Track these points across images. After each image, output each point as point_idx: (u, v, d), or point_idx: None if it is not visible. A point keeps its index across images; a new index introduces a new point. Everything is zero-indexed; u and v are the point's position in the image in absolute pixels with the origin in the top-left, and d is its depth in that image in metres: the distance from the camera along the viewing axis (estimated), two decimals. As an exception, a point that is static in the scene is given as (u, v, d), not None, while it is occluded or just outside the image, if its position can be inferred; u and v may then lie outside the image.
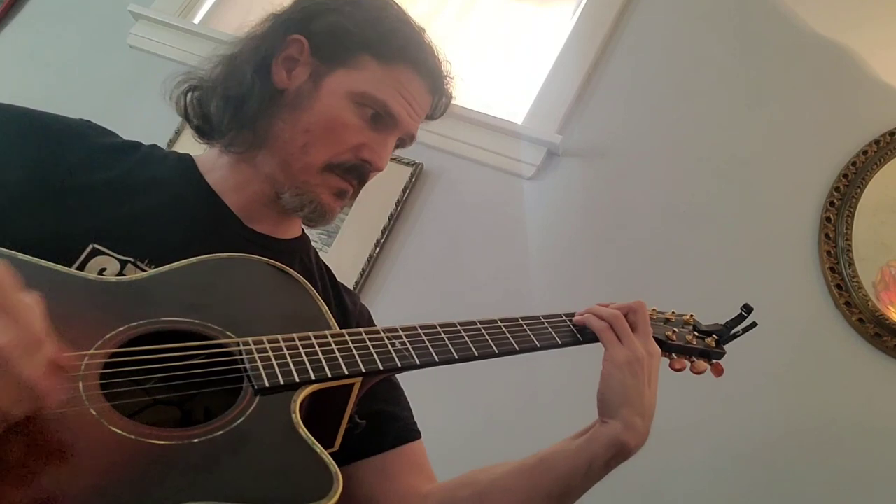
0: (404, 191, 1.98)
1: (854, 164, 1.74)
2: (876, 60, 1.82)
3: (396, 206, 1.96)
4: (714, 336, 1.05)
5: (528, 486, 0.88)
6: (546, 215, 1.91)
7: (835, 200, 1.73)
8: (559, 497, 0.87)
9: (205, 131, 0.99)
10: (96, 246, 0.84)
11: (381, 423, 0.95)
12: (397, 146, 1.01)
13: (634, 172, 1.90)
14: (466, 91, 2.09)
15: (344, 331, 0.81)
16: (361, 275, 1.89)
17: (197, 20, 2.42)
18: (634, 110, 1.97)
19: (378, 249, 1.93)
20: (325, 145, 0.93)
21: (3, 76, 2.42)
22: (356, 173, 0.96)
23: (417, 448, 0.99)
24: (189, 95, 0.99)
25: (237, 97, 0.95)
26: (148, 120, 1.83)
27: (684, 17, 2.03)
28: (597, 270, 1.82)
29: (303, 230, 1.08)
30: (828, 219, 1.72)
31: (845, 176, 1.74)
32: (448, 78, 1.02)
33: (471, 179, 1.98)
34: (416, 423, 1.02)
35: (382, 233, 1.94)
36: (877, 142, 1.74)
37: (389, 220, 1.95)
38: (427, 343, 0.84)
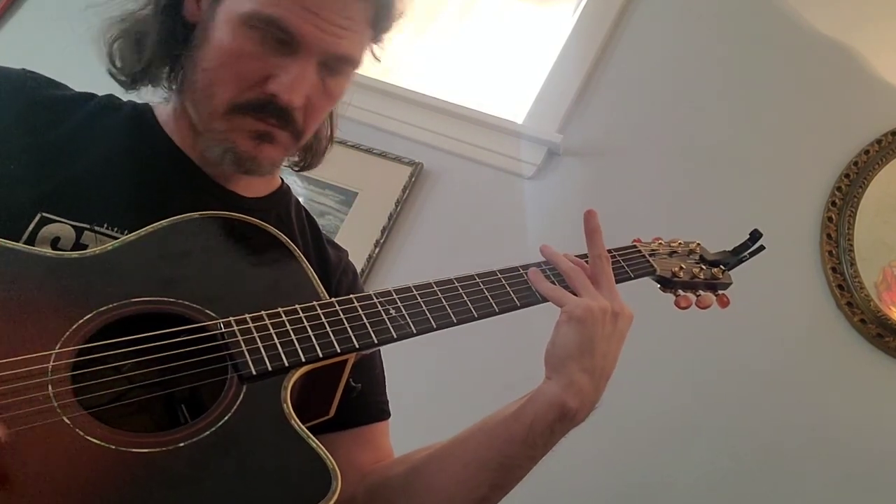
0: (404, 191, 1.97)
1: (856, 163, 1.73)
2: (878, 60, 1.81)
3: (396, 206, 1.96)
4: (721, 266, 0.99)
5: (463, 457, 0.78)
6: (546, 215, 1.90)
7: (836, 200, 1.72)
8: (499, 467, 0.76)
9: (124, 81, 0.88)
10: (45, 214, 0.75)
11: (347, 400, 0.85)
12: (332, 73, 0.83)
13: (635, 172, 1.90)
14: (467, 91, 2.09)
15: (333, 300, 0.74)
16: (361, 275, 1.88)
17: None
18: (635, 110, 1.96)
19: (378, 249, 1.92)
20: (226, 83, 0.79)
21: (1, 76, 2.41)
22: (270, 111, 0.80)
23: (377, 428, 0.91)
24: (115, 45, 0.87)
25: (152, 42, 0.84)
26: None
27: (685, 17, 2.02)
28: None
29: (282, 181, 0.98)
30: (829, 219, 1.71)
31: (847, 175, 1.73)
32: None
33: (471, 179, 1.98)
34: (385, 402, 0.94)
35: (382, 233, 1.94)
36: (878, 141, 1.74)
37: (389, 220, 1.95)
38: (424, 307, 0.77)
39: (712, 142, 1.88)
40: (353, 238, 1.94)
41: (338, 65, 0.82)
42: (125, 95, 0.93)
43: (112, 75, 0.89)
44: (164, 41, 0.84)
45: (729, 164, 1.84)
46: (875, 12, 1.86)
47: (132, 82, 0.88)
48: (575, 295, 0.82)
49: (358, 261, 1.90)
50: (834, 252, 1.68)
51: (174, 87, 0.88)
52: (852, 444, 1.55)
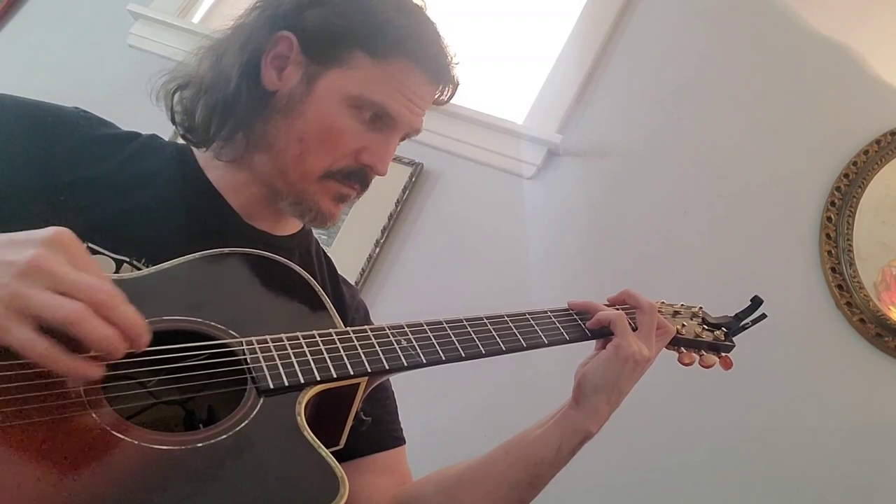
0: (404, 191, 1.97)
1: (855, 163, 1.74)
2: (876, 60, 1.82)
3: (396, 206, 1.96)
4: (723, 329, 1.03)
5: (495, 478, 0.88)
6: (546, 215, 1.91)
7: (836, 200, 1.73)
8: (527, 486, 0.87)
9: (191, 139, 0.94)
10: (91, 245, 0.81)
11: (362, 432, 0.91)
12: (401, 140, 0.96)
13: (635, 172, 1.90)
14: (467, 91, 2.09)
15: (349, 329, 0.79)
16: (361, 275, 1.89)
17: (196, 19, 2.41)
18: (635, 110, 1.97)
19: (378, 249, 1.93)
20: (323, 153, 0.88)
21: (2, 76, 2.41)
22: (357, 178, 0.92)
23: (395, 454, 0.97)
24: (176, 96, 0.94)
25: (224, 103, 0.90)
26: (148, 120, 1.82)
27: (684, 17, 2.02)
28: (597, 270, 1.81)
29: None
30: (829, 219, 1.72)
31: (846, 176, 1.73)
32: (452, 63, 0.95)
33: (471, 179, 1.98)
34: (400, 429, 1.00)
35: (382, 233, 1.94)
36: (878, 141, 1.74)
37: (389, 220, 1.95)
38: (434, 340, 0.82)
39: (711, 141, 1.88)
40: (353, 238, 1.95)
41: (411, 135, 0.96)
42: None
43: (185, 134, 0.94)
44: (243, 106, 0.89)
45: (728, 163, 1.85)
46: (874, 12, 1.87)
47: (205, 141, 0.93)
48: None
49: (358, 261, 1.91)
50: (833, 252, 1.69)
51: (227, 151, 0.92)
52: (852, 444, 1.56)
